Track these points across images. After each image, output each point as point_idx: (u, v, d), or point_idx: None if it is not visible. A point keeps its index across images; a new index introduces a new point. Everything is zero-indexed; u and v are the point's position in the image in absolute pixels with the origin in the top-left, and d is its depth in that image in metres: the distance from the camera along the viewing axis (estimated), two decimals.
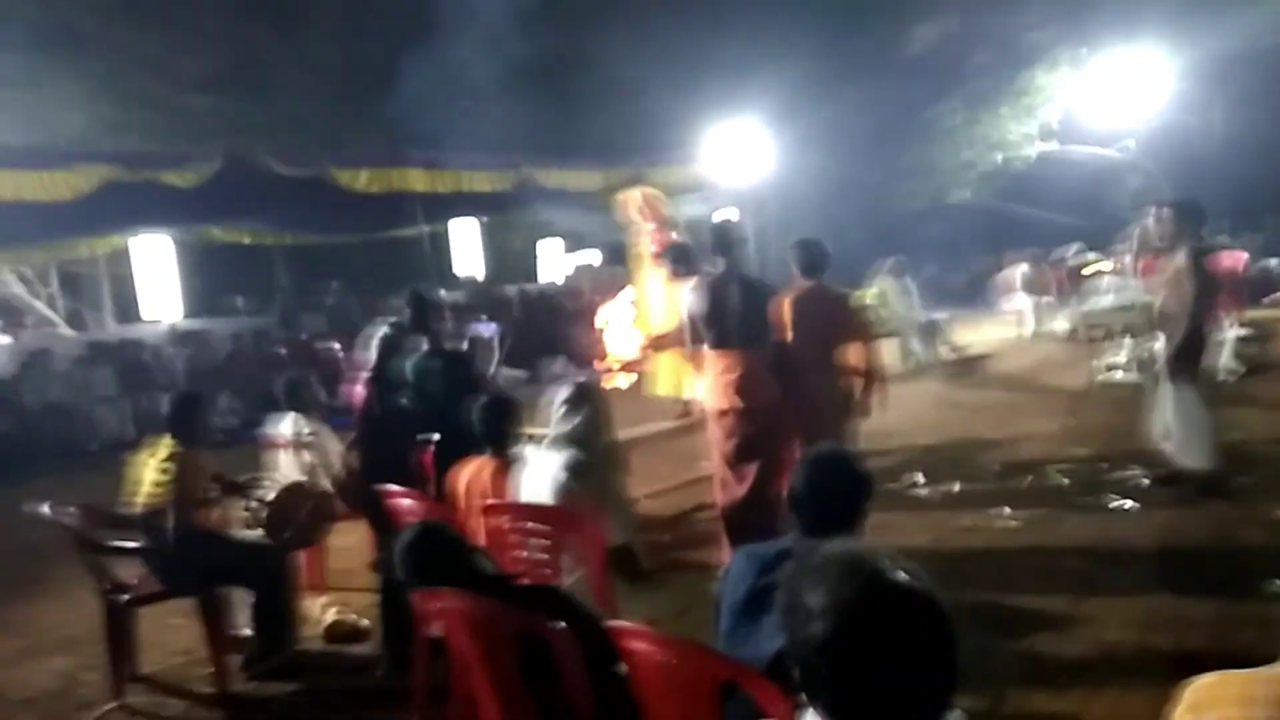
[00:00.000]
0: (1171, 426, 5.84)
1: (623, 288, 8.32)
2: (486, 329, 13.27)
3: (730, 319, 4.81)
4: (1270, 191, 17.12)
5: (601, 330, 7.52)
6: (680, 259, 6.82)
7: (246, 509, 4.79)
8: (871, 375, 5.36)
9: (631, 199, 7.57)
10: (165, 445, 4.34)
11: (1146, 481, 6.04)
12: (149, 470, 4.31)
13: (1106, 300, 10.13)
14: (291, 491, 4.72)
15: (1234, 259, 11.35)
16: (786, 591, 1.41)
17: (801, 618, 1.35)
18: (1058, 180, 17.91)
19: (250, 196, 11.84)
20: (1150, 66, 15.05)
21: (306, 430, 5.51)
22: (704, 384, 5.06)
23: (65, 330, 14.98)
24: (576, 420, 3.94)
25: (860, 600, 1.31)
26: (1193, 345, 5.59)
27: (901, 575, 1.34)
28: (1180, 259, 5.57)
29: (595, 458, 3.90)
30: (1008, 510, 5.80)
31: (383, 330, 4.48)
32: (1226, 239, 14.87)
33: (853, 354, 5.34)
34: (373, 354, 4.49)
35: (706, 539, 5.53)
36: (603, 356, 7.32)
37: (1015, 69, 16.12)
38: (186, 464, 4.28)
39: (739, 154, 12.68)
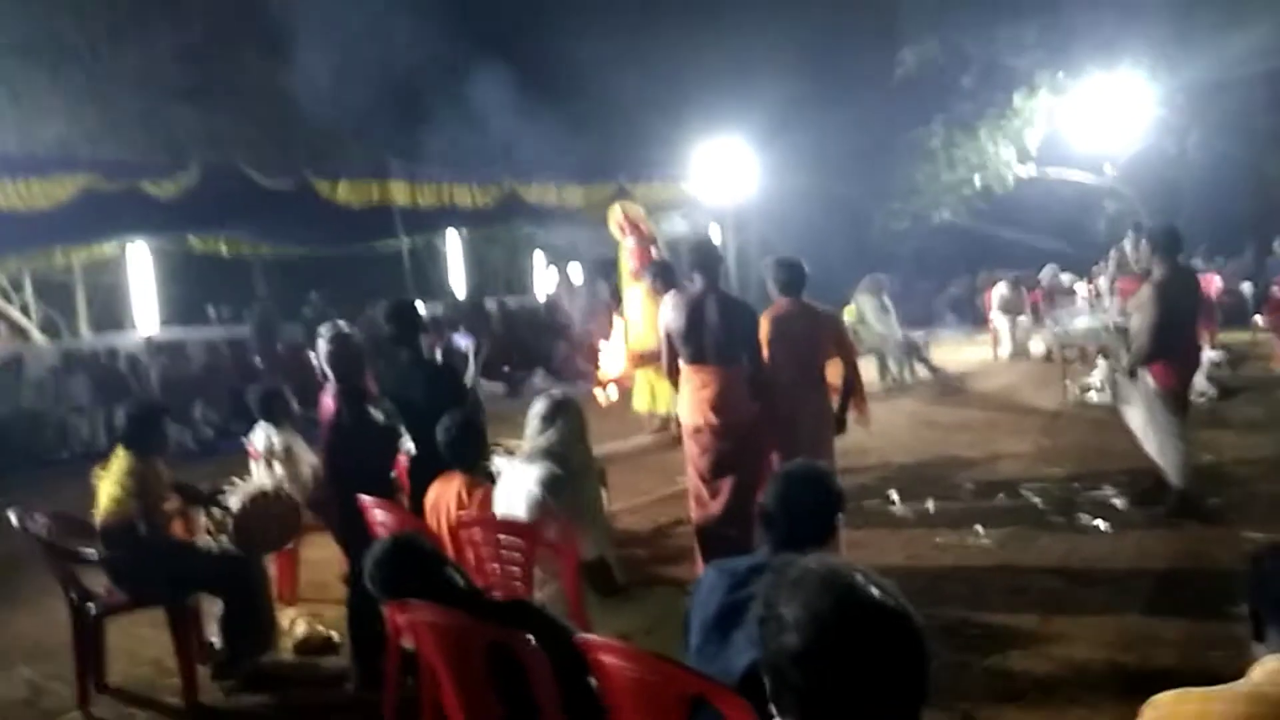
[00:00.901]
0: (1146, 442, 5.90)
1: (606, 303, 8.31)
2: (464, 341, 13.25)
3: (707, 335, 4.82)
4: (1249, 217, 17.33)
5: (588, 345, 7.51)
6: (662, 276, 6.87)
7: (210, 518, 4.75)
8: (851, 392, 5.40)
9: (612, 214, 7.61)
10: (120, 458, 4.29)
11: (1119, 501, 6.10)
12: (106, 484, 4.27)
13: (1082, 322, 10.22)
14: (256, 499, 4.68)
15: (1205, 283, 11.48)
16: (763, 602, 1.42)
17: (776, 628, 1.36)
18: (1038, 203, 18.08)
19: (229, 207, 11.81)
20: (1129, 92, 15.24)
21: (278, 442, 5.50)
22: (680, 399, 5.07)
23: (39, 338, 14.84)
24: (552, 433, 3.92)
25: (835, 613, 1.32)
26: (1167, 364, 5.65)
27: (877, 590, 1.35)
28: (1146, 286, 5.65)
29: (570, 471, 3.88)
30: (981, 529, 5.83)
31: (325, 345, 4.33)
32: (1200, 263, 15.06)
33: (832, 371, 5.37)
34: (324, 365, 4.34)
35: (683, 554, 5.54)
36: (594, 371, 7.29)
37: (995, 93, 16.30)
38: (143, 477, 4.23)
39: (722, 172, 12.75)
